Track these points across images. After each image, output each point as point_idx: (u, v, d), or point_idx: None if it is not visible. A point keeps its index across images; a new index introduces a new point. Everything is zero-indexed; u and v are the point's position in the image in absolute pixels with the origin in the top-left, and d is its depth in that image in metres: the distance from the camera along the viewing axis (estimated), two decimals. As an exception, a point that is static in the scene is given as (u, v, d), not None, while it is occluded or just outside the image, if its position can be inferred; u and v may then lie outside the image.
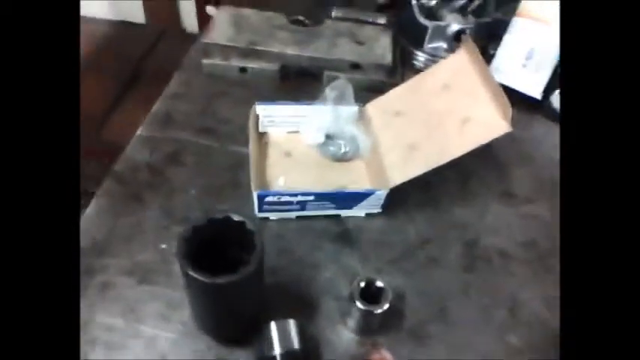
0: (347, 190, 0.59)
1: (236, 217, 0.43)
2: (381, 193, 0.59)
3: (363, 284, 0.49)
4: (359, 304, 0.48)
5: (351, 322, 0.51)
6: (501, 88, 0.58)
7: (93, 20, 2.26)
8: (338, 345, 0.51)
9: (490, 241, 0.63)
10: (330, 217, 0.62)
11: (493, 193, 0.69)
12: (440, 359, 0.51)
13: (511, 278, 0.59)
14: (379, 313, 0.48)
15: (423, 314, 0.55)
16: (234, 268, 0.40)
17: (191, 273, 0.38)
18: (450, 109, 0.62)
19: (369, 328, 0.51)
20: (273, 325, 0.45)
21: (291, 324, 0.46)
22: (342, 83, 0.68)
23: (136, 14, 2.24)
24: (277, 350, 0.44)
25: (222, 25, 0.83)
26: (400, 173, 0.59)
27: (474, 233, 0.63)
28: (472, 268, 0.60)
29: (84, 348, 0.48)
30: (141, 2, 2.19)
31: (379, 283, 0.49)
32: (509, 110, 0.55)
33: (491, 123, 0.57)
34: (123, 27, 2.27)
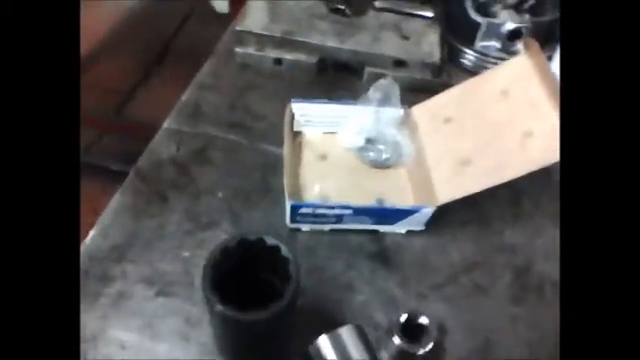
0: (389, 207, 0.54)
1: (270, 241, 0.38)
2: (428, 211, 0.53)
3: (403, 319, 0.44)
4: (398, 342, 0.43)
5: (386, 357, 0.46)
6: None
7: (120, -5, 2.23)
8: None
9: (542, 268, 0.57)
10: (367, 232, 0.56)
11: (546, 214, 0.62)
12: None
13: (565, 314, 0.53)
14: (420, 355, 0.43)
15: (464, 349, 0.49)
16: (264, 295, 0.35)
17: (218, 307, 0.33)
18: (509, 119, 0.55)
19: (407, 364, 0.46)
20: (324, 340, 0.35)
21: (347, 333, 0.36)
22: (388, 83, 0.62)
23: (165, -8, 2.18)
24: None
25: (257, 12, 0.77)
26: (449, 190, 0.53)
27: (524, 259, 0.57)
28: (521, 300, 0.54)
29: (95, 365, 0.44)
30: (170, -21, 2.13)
31: (423, 320, 0.44)
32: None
33: (556, 141, 0.51)
34: (151, 3, 2.23)
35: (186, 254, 0.52)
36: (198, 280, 0.49)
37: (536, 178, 0.65)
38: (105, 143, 1.66)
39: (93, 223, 0.55)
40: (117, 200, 0.56)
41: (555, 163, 0.69)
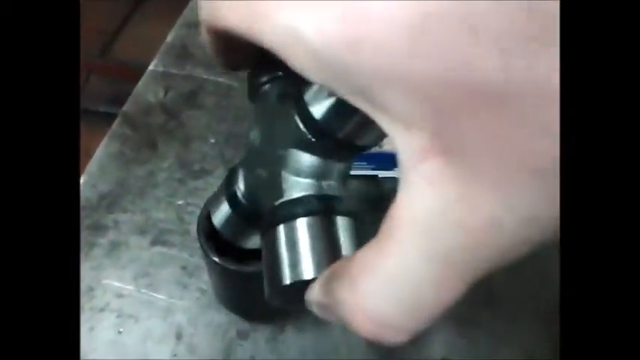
0: (388, 151, 0.52)
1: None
2: (428, 156, 0.52)
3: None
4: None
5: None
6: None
7: None
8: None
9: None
10: (365, 177, 0.55)
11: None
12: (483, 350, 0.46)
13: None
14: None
15: (465, 304, 0.49)
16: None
17: (214, 259, 0.32)
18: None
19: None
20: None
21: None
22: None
23: None
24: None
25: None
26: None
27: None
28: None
29: (93, 315, 0.44)
30: None
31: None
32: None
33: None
34: None
35: (179, 202, 0.51)
36: (193, 228, 0.48)
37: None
38: (92, 85, 1.60)
39: (84, 165, 0.53)
40: (104, 148, 0.54)
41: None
